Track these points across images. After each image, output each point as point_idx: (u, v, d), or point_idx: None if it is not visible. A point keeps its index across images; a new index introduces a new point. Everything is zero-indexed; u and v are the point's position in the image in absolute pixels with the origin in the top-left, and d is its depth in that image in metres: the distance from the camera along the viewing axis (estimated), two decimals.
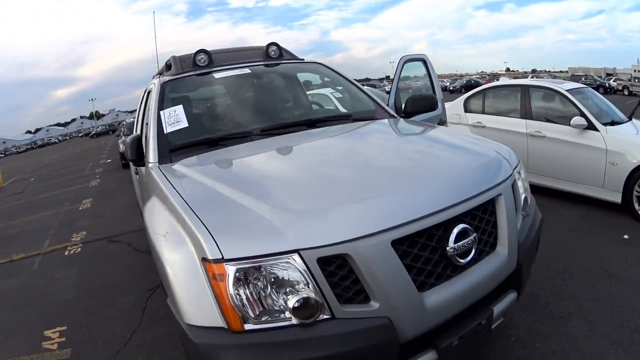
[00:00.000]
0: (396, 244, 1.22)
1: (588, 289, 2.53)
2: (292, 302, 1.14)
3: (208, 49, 2.81)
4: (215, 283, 1.15)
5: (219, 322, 1.16)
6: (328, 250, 1.15)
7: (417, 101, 2.79)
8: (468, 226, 1.37)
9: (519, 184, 1.72)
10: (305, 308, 1.14)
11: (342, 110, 2.80)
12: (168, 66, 2.80)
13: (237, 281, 1.14)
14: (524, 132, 4.45)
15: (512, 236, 1.52)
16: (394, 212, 1.25)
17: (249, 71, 2.67)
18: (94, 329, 2.72)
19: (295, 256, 1.14)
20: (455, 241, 1.33)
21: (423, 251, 1.29)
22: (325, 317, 1.17)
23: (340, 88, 3.28)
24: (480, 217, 1.45)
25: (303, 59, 3.06)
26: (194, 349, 1.17)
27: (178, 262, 1.27)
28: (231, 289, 1.13)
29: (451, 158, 1.74)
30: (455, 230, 1.34)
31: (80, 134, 78.17)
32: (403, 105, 2.85)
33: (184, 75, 2.65)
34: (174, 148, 2.03)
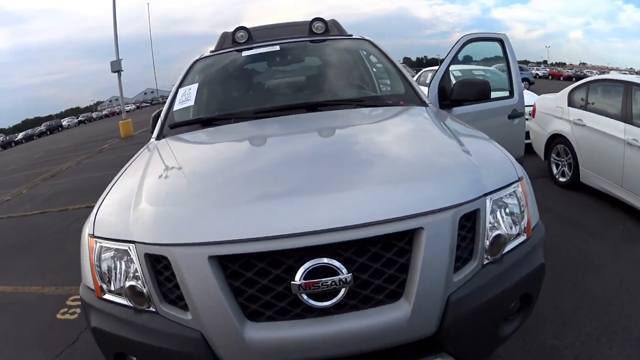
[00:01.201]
0: (224, 260, 1.16)
1: None
2: (126, 286, 1.27)
3: (288, 21, 2.87)
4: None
5: (92, 286, 1.37)
6: (153, 249, 1.21)
7: (465, 87, 2.43)
8: (337, 263, 1.12)
9: (487, 217, 1.28)
10: (135, 295, 1.26)
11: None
12: None
13: (98, 256, 1.33)
14: (621, 137, 3.60)
15: (431, 288, 1.16)
16: (219, 225, 1.19)
17: (278, 48, 2.61)
18: None
19: (132, 246, 1.25)
20: (306, 277, 1.11)
21: (261, 277, 1.15)
22: (153, 310, 1.26)
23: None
24: (376, 254, 1.15)
25: (351, 35, 2.88)
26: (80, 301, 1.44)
27: (87, 228, 1.46)
28: (94, 262, 1.33)
29: (372, 169, 1.39)
30: (305, 265, 1.12)
31: None
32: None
33: (216, 53, 2.75)
34: (174, 125, 2.19)
